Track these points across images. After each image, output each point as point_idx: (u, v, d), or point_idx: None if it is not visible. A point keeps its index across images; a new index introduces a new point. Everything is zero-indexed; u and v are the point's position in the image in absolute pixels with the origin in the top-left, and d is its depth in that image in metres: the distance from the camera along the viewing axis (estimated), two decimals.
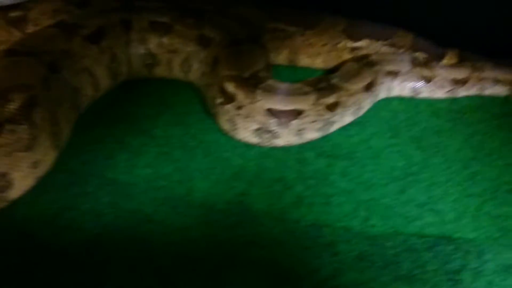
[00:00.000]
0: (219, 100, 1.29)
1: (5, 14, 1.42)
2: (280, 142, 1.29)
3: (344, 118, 1.35)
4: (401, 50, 1.48)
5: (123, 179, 1.14)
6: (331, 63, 1.52)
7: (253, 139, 1.28)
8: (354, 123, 1.35)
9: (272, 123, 1.26)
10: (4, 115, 1.07)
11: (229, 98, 1.26)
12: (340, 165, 1.22)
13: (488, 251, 1.00)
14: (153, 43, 1.44)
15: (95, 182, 1.13)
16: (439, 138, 1.28)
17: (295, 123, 1.27)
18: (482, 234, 1.03)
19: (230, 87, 1.26)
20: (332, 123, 1.32)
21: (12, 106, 1.09)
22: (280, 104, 1.26)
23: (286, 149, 1.27)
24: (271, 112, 1.25)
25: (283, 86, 1.31)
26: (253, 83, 1.27)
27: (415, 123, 1.34)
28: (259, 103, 1.24)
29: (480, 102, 1.40)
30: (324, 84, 1.33)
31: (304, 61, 1.54)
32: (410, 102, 1.41)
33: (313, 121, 1.28)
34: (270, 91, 1.27)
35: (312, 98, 1.28)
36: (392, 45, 1.48)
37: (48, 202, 1.07)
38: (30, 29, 1.42)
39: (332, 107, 1.30)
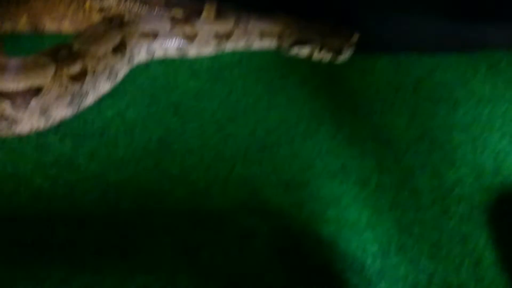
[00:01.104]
0: None
1: None
2: (24, 128, 1.12)
3: (98, 86, 1.21)
4: (156, 8, 1.36)
5: None
6: (80, 26, 1.35)
7: None
8: (110, 94, 1.23)
9: (7, 107, 1.08)
10: None
11: None
12: (89, 145, 1.11)
13: (231, 219, 1.00)
14: None
15: None
16: (196, 102, 1.23)
17: (35, 103, 1.10)
18: (228, 203, 1.02)
19: None
20: (84, 95, 1.19)
21: None
22: (11, 84, 1.08)
23: (26, 137, 1.11)
24: (2, 95, 1.07)
25: (14, 61, 1.12)
26: None
27: (174, 87, 1.27)
28: None
29: (241, 57, 1.37)
30: (65, 52, 1.16)
31: (49, 26, 1.34)
32: (172, 65, 1.33)
33: (59, 97, 1.13)
34: None
35: (51, 70, 1.12)
36: (145, 2, 1.36)
37: None
38: None
39: (78, 77, 1.16)
